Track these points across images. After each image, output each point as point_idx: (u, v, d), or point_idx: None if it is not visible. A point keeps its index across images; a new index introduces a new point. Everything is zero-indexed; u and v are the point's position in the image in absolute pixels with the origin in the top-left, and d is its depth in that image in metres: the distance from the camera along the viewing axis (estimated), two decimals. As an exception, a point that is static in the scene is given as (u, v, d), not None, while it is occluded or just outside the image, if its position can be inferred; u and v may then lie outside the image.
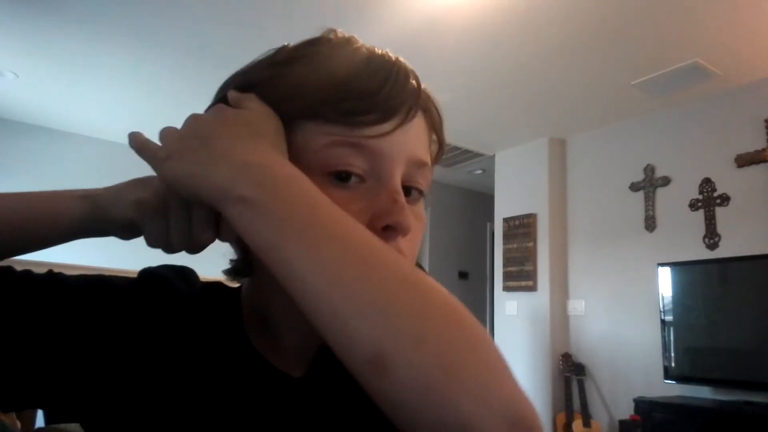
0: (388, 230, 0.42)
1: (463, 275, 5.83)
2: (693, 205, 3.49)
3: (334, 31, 0.48)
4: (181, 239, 0.42)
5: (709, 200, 3.41)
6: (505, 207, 4.60)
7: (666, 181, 3.67)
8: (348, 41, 0.47)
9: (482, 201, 5.88)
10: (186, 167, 0.39)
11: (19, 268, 0.49)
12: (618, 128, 4.04)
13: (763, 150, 3.21)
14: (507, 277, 4.44)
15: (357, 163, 0.42)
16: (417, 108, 0.45)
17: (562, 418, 3.78)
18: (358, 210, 0.41)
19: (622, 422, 3.35)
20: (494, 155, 4.81)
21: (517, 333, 4.27)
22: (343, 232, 0.35)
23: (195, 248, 0.43)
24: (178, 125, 0.48)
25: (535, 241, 4.27)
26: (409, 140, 0.44)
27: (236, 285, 0.55)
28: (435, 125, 0.49)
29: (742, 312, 3.08)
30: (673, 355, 3.32)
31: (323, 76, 0.42)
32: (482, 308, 5.88)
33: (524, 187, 4.49)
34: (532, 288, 4.21)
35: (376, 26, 2.90)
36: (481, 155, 4.86)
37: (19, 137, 4.54)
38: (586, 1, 2.63)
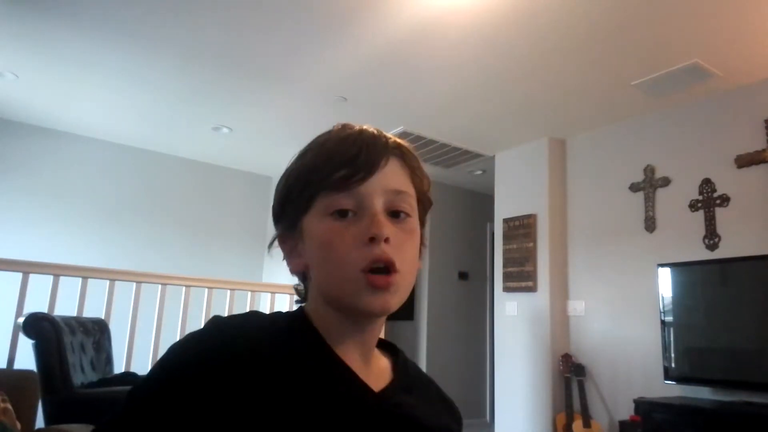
0: (371, 241, 0.58)
1: (463, 276, 5.83)
2: (693, 206, 3.49)
3: (339, 123, 0.66)
4: None
5: (709, 201, 3.41)
6: (505, 207, 4.60)
7: (666, 182, 3.67)
8: (341, 127, 0.65)
9: (482, 201, 5.88)
10: None
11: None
12: (618, 128, 4.04)
13: (763, 150, 3.21)
14: (507, 277, 4.44)
15: (348, 203, 0.60)
16: (382, 159, 0.62)
17: (562, 418, 3.78)
18: (354, 234, 0.58)
19: (622, 423, 3.35)
20: (494, 155, 4.82)
21: (517, 333, 4.27)
22: None
23: None
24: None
25: (535, 241, 4.27)
26: (384, 179, 0.61)
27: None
28: (409, 162, 0.65)
29: (742, 312, 3.08)
30: (673, 355, 3.32)
31: (318, 162, 0.62)
32: (482, 309, 5.88)
33: (524, 188, 4.49)
34: (532, 288, 4.22)
35: (377, 27, 2.90)
36: (481, 155, 4.86)
37: (19, 137, 4.54)
38: (586, 1, 2.63)
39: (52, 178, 4.66)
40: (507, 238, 4.50)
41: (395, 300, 0.60)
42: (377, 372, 0.65)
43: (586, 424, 3.65)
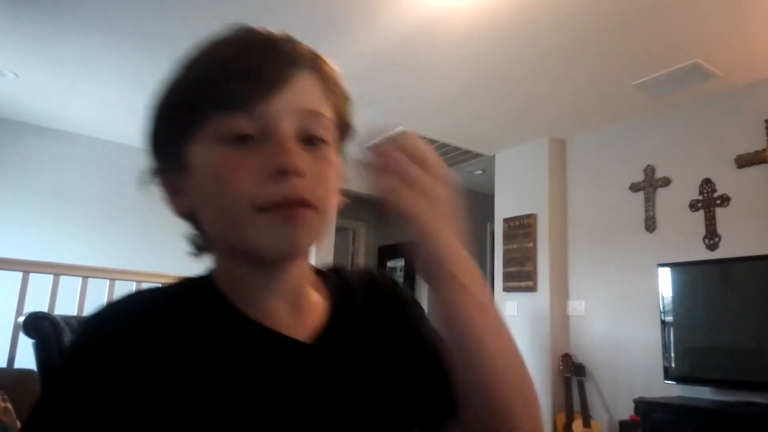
0: (277, 173, 0.46)
1: (463, 275, 5.82)
2: (693, 206, 3.49)
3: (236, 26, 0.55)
4: None
5: (709, 201, 3.41)
6: (505, 207, 4.60)
7: (666, 182, 3.67)
8: (243, 31, 0.54)
9: (482, 201, 5.87)
10: (421, 213, 0.47)
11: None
12: (618, 128, 4.04)
13: (763, 150, 3.21)
14: (507, 277, 4.44)
15: (248, 126, 0.47)
16: (294, 72, 0.50)
17: (562, 418, 3.78)
18: (252, 162, 0.47)
19: (622, 423, 3.35)
20: (494, 155, 4.81)
21: (517, 333, 4.21)
22: (495, 312, 0.50)
23: None
24: None
25: (535, 241, 4.27)
26: (294, 96, 0.49)
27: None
28: (327, 77, 0.54)
29: (742, 312, 3.08)
30: (673, 355, 3.31)
31: (210, 79, 0.49)
32: (482, 308, 5.87)
33: (524, 188, 4.48)
34: (532, 288, 4.21)
35: (377, 27, 2.90)
36: (481, 155, 4.86)
37: (19, 137, 4.54)
38: (587, 1, 2.63)
39: (52, 177, 4.66)
40: (507, 238, 4.50)
41: (306, 237, 0.49)
42: (313, 314, 0.56)
43: (586, 424, 3.65)
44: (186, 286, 0.56)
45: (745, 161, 3.28)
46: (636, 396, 3.27)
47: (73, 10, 2.86)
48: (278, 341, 0.52)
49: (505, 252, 4.49)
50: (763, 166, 3.22)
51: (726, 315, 3.14)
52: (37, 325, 2.61)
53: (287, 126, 0.48)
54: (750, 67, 3.19)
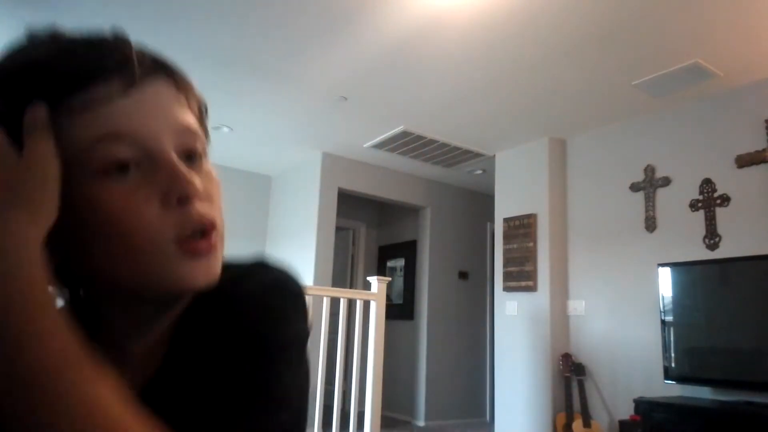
0: (182, 201, 0.42)
1: (463, 275, 5.83)
2: (693, 206, 3.49)
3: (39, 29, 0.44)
4: None
5: (709, 201, 3.41)
6: (505, 207, 4.60)
7: (666, 182, 3.67)
8: (54, 34, 0.44)
9: (482, 201, 5.88)
10: None
11: None
12: (618, 128, 4.04)
13: (763, 150, 3.21)
14: (507, 277, 4.44)
15: (123, 150, 0.41)
16: (137, 74, 0.43)
17: (562, 418, 3.78)
18: (146, 194, 0.41)
19: (622, 422, 3.35)
20: (494, 155, 4.81)
21: (517, 333, 4.27)
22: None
23: None
24: None
25: (535, 241, 4.27)
26: (159, 109, 0.43)
27: None
28: (182, 84, 0.49)
29: (742, 312, 3.08)
30: (673, 355, 3.32)
31: (36, 71, 0.41)
32: (482, 308, 5.88)
33: (524, 188, 4.49)
34: (532, 288, 4.22)
35: (377, 27, 2.90)
36: (481, 155, 4.86)
37: (19, 137, 4.54)
38: (587, 1, 2.63)
39: (52, 177, 4.66)
40: (507, 237, 4.50)
41: (218, 264, 0.45)
42: (153, 361, 0.47)
43: (586, 423, 3.65)
44: None
45: (745, 161, 3.28)
46: (636, 396, 3.27)
47: (73, 10, 2.86)
48: None
49: (505, 252, 4.49)
50: (763, 166, 3.22)
51: (726, 315, 3.14)
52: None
53: (168, 146, 0.43)
54: (750, 67, 3.19)
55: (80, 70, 0.41)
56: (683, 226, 3.53)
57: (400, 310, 5.80)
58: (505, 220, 4.55)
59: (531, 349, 4.14)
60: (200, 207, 0.43)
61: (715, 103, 3.50)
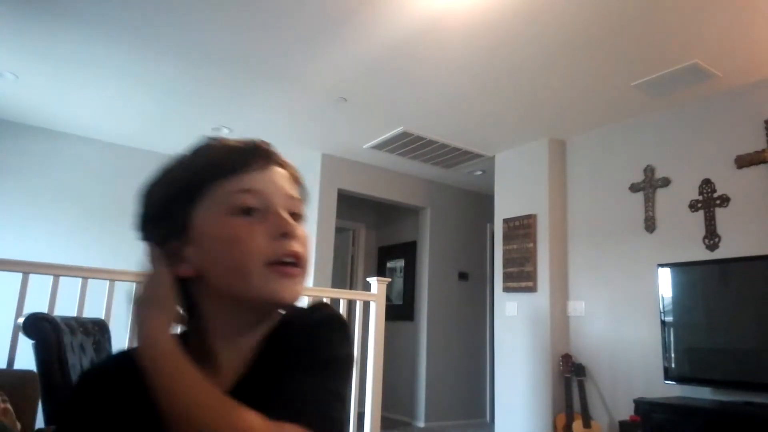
0: (283, 236, 0.62)
1: (463, 276, 5.83)
2: (693, 206, 3.49)
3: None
4: None
5: (709, 201, 3.41)
6: (505, 208, 4.60)
7: (666, 182, 3.67)
8: (220, 139, 0.69)
9: (482, 202, 5.88)
10: (137, 318, 0.62)
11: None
12: (618, 129, 4.04)
13: (763, 151, 3.21)
14: (507, 277, 4.44)
15: (251, 200, 0.63)
16: (271, 163, 0.67)
17: (562, 418, 3.78)
18: (260, 228, 0.61)
19: (622, 423, 3.35)
20: (494, 156, 4.82)
21: (517, 334, 4.27)
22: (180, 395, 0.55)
23: None
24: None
25: (535, 241, 4.27)
26: (280, 183, 0.66)
27: None
28: (294, 176, 0.70)
29: (742, 312, 3.08)
30: (673, 355, 3.32)
31: (210, 160, 0.65)
32: (482, 309, 5.88)
33: (524, 188, 4.49)
34: (532, 289, 4.22)
35: (377, 27, 2.90)
36: (481, 156, 4.87)
37: (19, 138, 4.54)
38: (587, 2, 2.63)
39: (51, 178, 4.66)
40: (507, 238, 4.50)
41: (301, 288, 0.63)
42: (235, 367, 0.65)
43: (586, 424, 3.65)
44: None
45: (745, 161, 3.28)
46: (636, 396, 3.28)
47: (74, 10, 2.86)
48: None
49: (505, 252, 4.49)
50: (763, 166, 3.22)
51: (726, 315, 3.14)
52: (37, 326, 2.61)
53: (281, 203, 0.64)
54: (750, 67, 3.19)
55: (240, 162, 0.64)
56: (683, 227, 3.53)
57: (399, 310, 5.80)
58: (505, 220, 4.55)
59: (531, 350, 4.14)
60: (296, 244, 0.62)
61: (715, 103, 3.50)
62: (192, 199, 0.63)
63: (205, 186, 0.63)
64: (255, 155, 0.65)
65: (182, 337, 0.67)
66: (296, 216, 0.66)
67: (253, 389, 0.61)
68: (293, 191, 0.68)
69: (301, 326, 0.65)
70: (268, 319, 0.66)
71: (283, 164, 0.69)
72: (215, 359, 0.64)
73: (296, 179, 0.70)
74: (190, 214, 0.63)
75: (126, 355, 0.71)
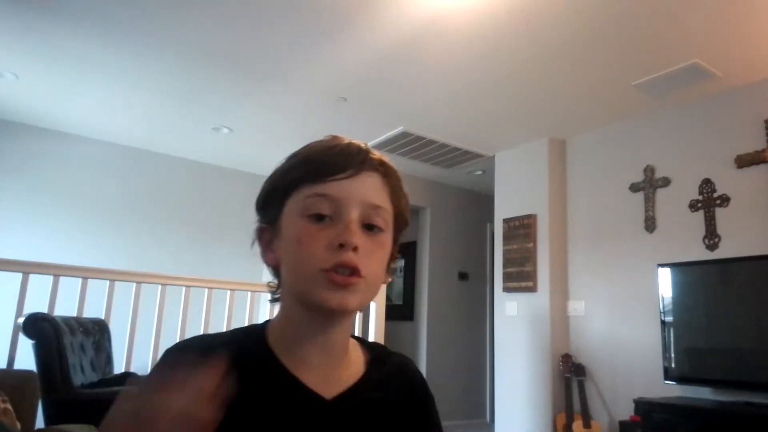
0: (340, 247, 0.61)
1: (463, 276, 5.83)
2: (693, 206, 3.49)
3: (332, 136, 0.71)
4: None
5: (709, 201, 3.41)
6: (505, 208, 4.60)
7: (666, 182, 3.67)
8: (331, 138, 0.69)
9: (482, 202, 5.88)
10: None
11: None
12: (618, 129, 4.04)
13: (763, 150, 3.21)
14: (507, 277, 4.44)
15: (324, 207, 0.63)
16: (364, 169, 0.66)
17: (562, 418, 3.78)
18: (325, 235, 0.62)
19: (622, 423, 3.35)
20: (494, 156, 4.82)
21: (517, 334, 4.27)
22: None
23: None
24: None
25: (535, 241, 4.27)
26: (361, 189, 0.65)
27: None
28: (390, 180, 0.69)
29: (742, 312, 3.08)
30: (673, 355, 3.32)
31: (303, 161, 0.67)
32: (482, 309, 5.88)
33: (524, 188, 4.49)
34: (532, 289, 4.22)
35: (377, 27, 2.90)
36: (481, 156, 4.87)
37: (19, 138, 4.54)
38: (586, 2, 2.63)
39: (52, 178, 4.66)
40: (507, 238, 4.50)
41: (354, 299, 0.62)
42: (346, 373, 0.68)
43: (586, 424, 3.65)
44: (241, 333, 0.70)
45: (745, 161, 3.28)
46: (636, 396, 3.27)
47: (73, 10, 2.86)
48: (302, 393, 0.64)
49: (505, 252, 4.49)
50: (763, 166, 3.22)
51: (726, 315, 3.14)
52: (37, 326, 2.61)
53: (353, 213, 0.64)
54: (750, 67, 3.19)
55: (326, 167, 0.65)
56: (683, 226, 3.53)
57: (399, 310, 5.80)
58: (505, 220, 4.55)
59: (531, 350, 4.14)
60: (353, 255, 0.61)
61: (715, 103, 3.50)
62: (286, 195, 0.66)
63: (294, 185, 0.65)
64: (346, 162, 0.65)
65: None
66: (373, 227, 0.65)
67: (369, 398, 0.68)
68: (379, 199, 0.66)
69: (426, 389, 0.77)
70: (331, 331, 0.66)
71: (380, 170, 0.68)
72: (301, 353, 0.66)
73: (392, 187, 0.69)
74: (282, 208, 0.66)
75: (224, 340, 0.68)
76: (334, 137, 0.70)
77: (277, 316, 0.69)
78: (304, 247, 0.62)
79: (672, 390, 3.32)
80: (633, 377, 3.61)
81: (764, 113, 3.26)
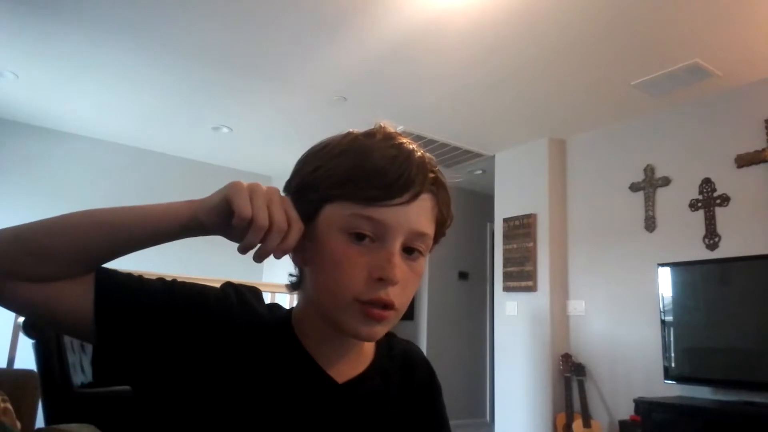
0: (380, 281, 0.58)
1: (463, 275, 5.83)
2: (693, 206, 3.49)
3: (383, 127, 0.66)
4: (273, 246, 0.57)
5: (709, 200, 3.41)
6: (505, 207, 4.60)
7: (666, 182, 3.67)
8: (387, 137, 0.63)
9: (482, 201, 5.88)
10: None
11: None
12: (618, 128, 4.04)
13: (763, 150, 3.21)
14: (507, 277, 4.44)
15: (367, 228, 0.59)
16: (421, 193, 0.61)
17: (562, 418, 3.78)
18: (365, 261, 0.58)
19: (622, 422, 3.35)
20: (494, 155, 4.81)
21: (517, 333, 4.27)
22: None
23: (281, 254, 0.59)
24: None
25: (535, 241, 4.27)
26: (410, 216, 0.60)
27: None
28: (441, 203, 0.65)
29: (742, 312, 3.08)
30: (673, 355, 3.32)
31: (357, 171, 0.59)
32: (482, 308, 5.88)
33: (524, 188, 4.49)
34: (532, 288, 4.21)
35: (377, 27, 2.90)
36: (481, 155, 4.86)
37: (19, 137, 4.54)
38: (587, 2, 2.63)
39: (52, 178, 4.66)
40: (507, 237, 4.50)
41: (384, 330, 0.62)
42: (357, 359, 0.68)
43: (586, 424, 3.65)
44: (275, 306, 0.71)
45: (745, 161, 3.28)
46: (636, 396, 3.27)
47: (73, 10, 2.86)
48: (317, 373, 0.64)
49: (505, 252, 4.49)
50: (763, 166, 3.22)
51: (726, 315, 3.14)
52: (37, 326, 2.61)
53: (398, 241, 0.59)
54: (750, 67, 3.19)
55: (396, 189, 0.59)
56: (683, 226, 3.53)
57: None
58: (505, 220, 4.55)
59: (531, 349, 4.14)
60: (391, 290, 0.59)
61: (715, 103, 3.50)
62: (327, 199, 0.60)
63: (342, 197, 0.59)
64: (404, 186, 0.59)
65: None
66: (414, 251, 0.62)
67: (377, 385, 0.69)
68: (427, 227, 0.62)
69: (433, 378, 0.78)
70: (347, 339, 0.66)
71: (433, 190, 0.64)
72: (318, 336, 0.66)
73: (441, 206, 0.65)
74: (319, 210, 0.60)
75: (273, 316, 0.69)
76: (394, 138, 0.63)
77: (298, 306, 0.68)
78: (342, 270, 0.58)
79: (672, 390, 3.32)
80: (633, 377, 3.61)
81: (764, 113, 3.25)
